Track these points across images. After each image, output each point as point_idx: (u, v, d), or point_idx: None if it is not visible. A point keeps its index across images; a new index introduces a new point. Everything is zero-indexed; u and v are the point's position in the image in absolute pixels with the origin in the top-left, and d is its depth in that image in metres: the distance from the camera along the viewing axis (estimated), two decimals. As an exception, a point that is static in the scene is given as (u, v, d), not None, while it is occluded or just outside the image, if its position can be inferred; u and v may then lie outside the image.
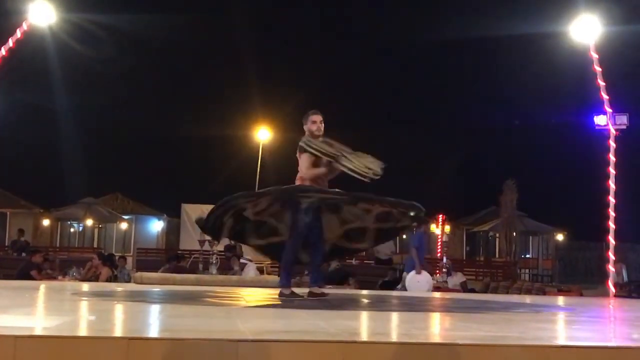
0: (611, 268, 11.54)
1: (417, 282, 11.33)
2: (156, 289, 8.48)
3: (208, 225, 6.95)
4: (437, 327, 4.84)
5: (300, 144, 6.71)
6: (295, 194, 6.60)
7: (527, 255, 30.53)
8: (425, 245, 13.53)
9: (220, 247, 13.64)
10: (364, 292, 10.21)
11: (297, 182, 6.71)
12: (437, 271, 15.66)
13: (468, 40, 25.43)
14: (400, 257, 21.37)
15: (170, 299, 6.73)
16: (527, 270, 26.87)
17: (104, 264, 12.19)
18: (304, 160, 6.65)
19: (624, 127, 11.40)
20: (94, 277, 11.86)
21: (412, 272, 11.43)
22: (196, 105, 33.49)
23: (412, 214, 6.76)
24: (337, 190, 6.76)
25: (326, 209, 6.81)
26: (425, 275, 11.54)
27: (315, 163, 6.64)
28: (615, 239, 11.27)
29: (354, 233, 7.11)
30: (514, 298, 10.57)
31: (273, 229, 7.00)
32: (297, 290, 6.94)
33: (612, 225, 11.16)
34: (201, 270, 12.56)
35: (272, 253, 7.49)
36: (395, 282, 13.39)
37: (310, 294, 6.76)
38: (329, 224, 6.93)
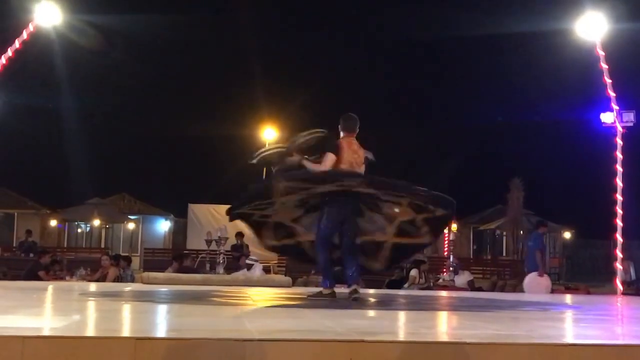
0: (619, 266, 11.51)
1: (538, 284, 11.21)
2: (163, 288, 8.48)
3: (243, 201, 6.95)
4: (444, 326, 4.83)
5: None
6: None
7: (535, 254, 30.37)
8: (545, 247, 13.50)
9: (227, 246, 13.65)
10: (371, 291, 10.20)
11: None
12: (444, 270, 15.62)
13: (474, 37, 25.38)
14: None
15: (177, 299, 6.73)
16: (534, 269, 26.74)
17: (111, 264, 12.25)
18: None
19: (631, 124, 11.36)
20: (101, 278, 11.90)
21: (533, 274, 11.34)
22: (202, 104, 33.60)
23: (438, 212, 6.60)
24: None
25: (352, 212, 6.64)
26: (546, 278, 11.44)
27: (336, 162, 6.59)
28: (623, 236, 11.24)
29: (369, 246, 6.88)
30: (522, 296, 10.54)
31: (290, 231, 6.97)
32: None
33: (619, 222, 11.13)
34: (208, 270, 12.57)
35: (287, 253, 7.38)
36: (401, 281, 13.34)
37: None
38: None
